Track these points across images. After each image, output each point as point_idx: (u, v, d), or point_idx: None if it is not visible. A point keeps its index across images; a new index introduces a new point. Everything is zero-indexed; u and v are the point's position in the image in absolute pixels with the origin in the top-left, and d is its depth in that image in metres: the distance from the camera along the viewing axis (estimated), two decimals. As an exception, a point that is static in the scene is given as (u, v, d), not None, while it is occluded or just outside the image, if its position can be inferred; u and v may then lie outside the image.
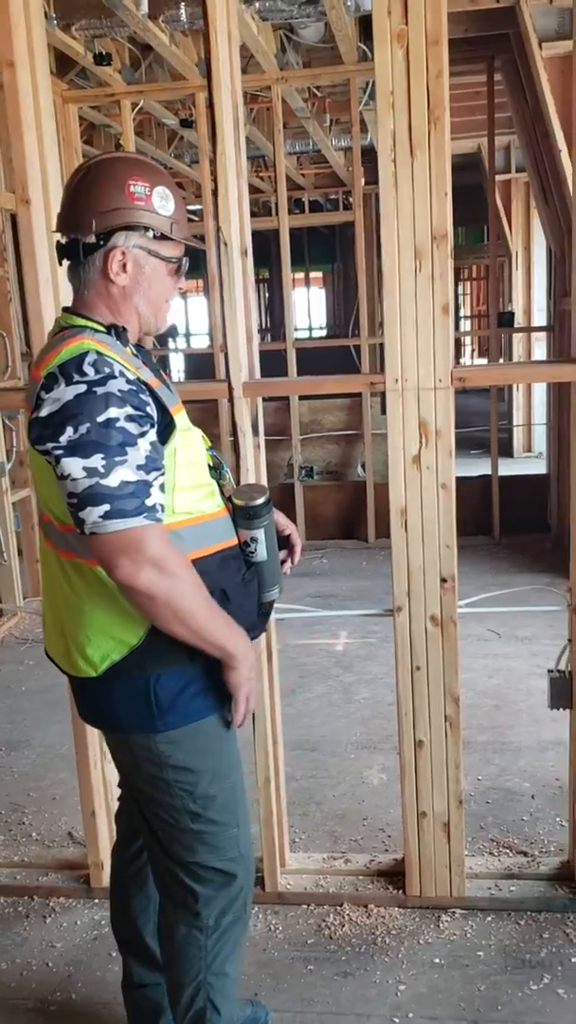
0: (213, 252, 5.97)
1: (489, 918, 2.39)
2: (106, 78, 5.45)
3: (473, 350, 17.07)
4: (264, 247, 12.68)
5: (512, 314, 8.00)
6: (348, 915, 2.43)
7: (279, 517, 1.82)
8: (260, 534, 1.68)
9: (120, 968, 1.96)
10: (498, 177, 6.93)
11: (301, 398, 6.43)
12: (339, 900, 2.47)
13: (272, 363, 4.98)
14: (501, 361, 9.08)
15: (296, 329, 7.35)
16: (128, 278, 1.61)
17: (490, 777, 3.14)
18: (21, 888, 2.62)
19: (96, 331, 1.58)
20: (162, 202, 1.61)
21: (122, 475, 1.44)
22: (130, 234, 1.59)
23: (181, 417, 1.63)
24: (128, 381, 1.49)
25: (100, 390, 1.46)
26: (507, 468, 6.82)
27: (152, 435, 1.51)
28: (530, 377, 6.40)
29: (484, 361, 13.84)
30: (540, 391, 8.55)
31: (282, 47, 5.57)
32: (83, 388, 1.45)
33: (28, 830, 2.97)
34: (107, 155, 1.67)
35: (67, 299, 2.41)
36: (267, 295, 15.93)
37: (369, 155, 7.17)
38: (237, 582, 1.65)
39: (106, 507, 1.43)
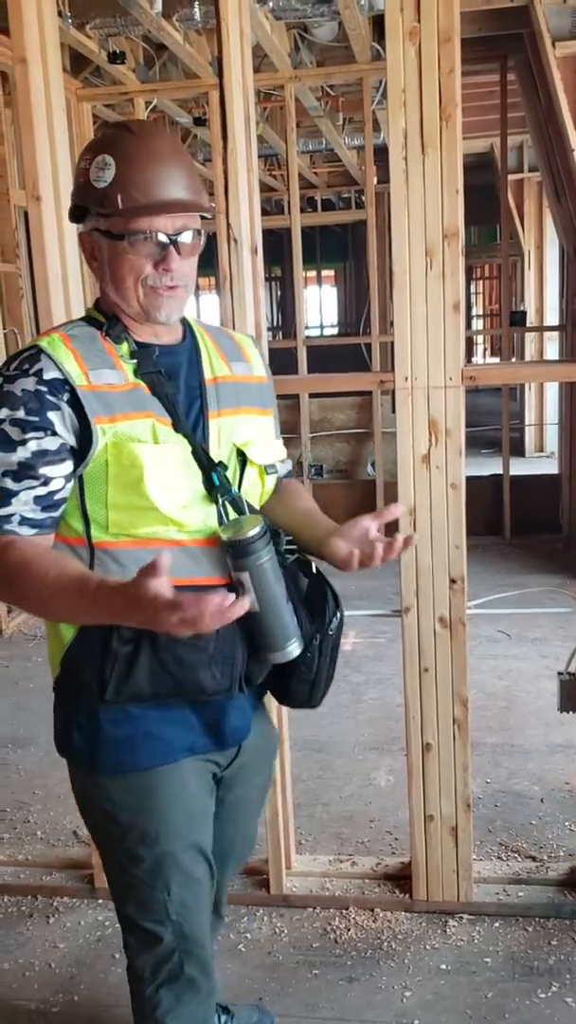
0: (224, 249, 5.96)
1: (497, 924, 2.37)
2: (120, 76, 5.45)
3: (485, 349, 17.03)
4: (277, 245, 12.68)
5: (524, 313, 7.98)
6: (354, 919, 2.41)
7: (364, 521, 1.49)
8: (246, 577, 1.39)
9: (123, 970, 1.94)
10: (511, 176, 6.90)
11: (311, 396, 6.41)
12: (345, 903, 2.45)
13: (283, 361, 4.97)
14: (513, 360, 9.04)
15: (307, 327, 7.34)
16: (98, 265, 1.48)
17: (499, 780, 3.12)
18: (25, 887, 2.61)
19: (90, 322, 1.50)
20: (99, 172, 1.41)
21: None
22: (88, 218, 1.47)
23: (127, 426, 1.40)
24: (41, 382, 1.37)
25: (6, 387, 1.39)
26: (519, 468, 6.79)
27: (45, 443, 1.37)
28: (541, 376, 6.38)
29: (496, 360, 13.79)
30: (552, 390, 8.51)
31: (295, 46, 5.55)
32: (1, 383, 1.41)
33: (33, 828, 2.97)
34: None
35: (77, 296, 2.42)
36: (279, 293, 15.92)
37: (382, 154, 7.15)
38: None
39: None
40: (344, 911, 2.43)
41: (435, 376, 2.16)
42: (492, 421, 8.44)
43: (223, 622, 1.18)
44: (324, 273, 16.33)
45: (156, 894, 1.53)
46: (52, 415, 1.38)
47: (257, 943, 2.33)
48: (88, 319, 1.52)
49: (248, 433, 1.54)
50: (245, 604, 1.22)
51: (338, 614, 1.55)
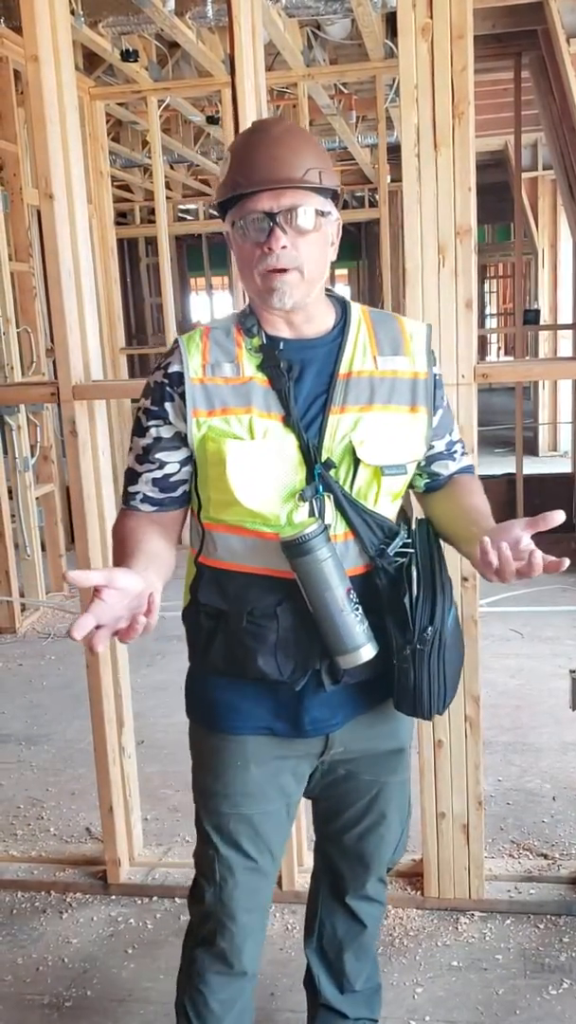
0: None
1: (508, 921, 2.36)
2: (133, 75, 5.47)
3: (499, 348, 16.97)
4: (289, 245, 12.65)
5: (538, 311, 7.95)
6: (365, 915, 2.41)
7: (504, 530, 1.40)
8: (297, 576, 1.43)
9: (136, 965, 1.96)
10: (525, 175, 6.88)
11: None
12: (356, 900, 2.45)
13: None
14: (527, 358, 9.02)
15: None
16: (236, 261, 1.51)
17: (511, 778, 3.12)
18: (38, 883, 2.63)
19: (239, 315, 1.55)
20: (222, 169, 1.48)
21: (128, 460, 1.57)
22: (228, 215, 1.49)
23: (222, 420, 1.46)
24: (166, 375, 1.50)
25: (149, 379, 1.54)
26: (532, 467, 6.77)
27: (161, 431, 1.51)
28: (554, 374, 6.34)
29: (510, 359, 13.75)
30: (566, 389, 8.49)
31: (308, 44, 5.55)
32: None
33: (46, 825, 2.98)
34: None
35: (89, 293, 2.43)
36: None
37: (395, 152, 7.14)
38: (258, 614, 1.49)
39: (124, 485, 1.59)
40: (356, 908, 2.43)
41: (447, 373, 2.16)
42: (505, 420, 8.43)
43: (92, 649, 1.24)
44: (337, 272, 16.32)
45: (207, 848, 1.63)
46: (168, 405, 1.50)
47: (270, 939, 2.33)
48: (241, 312, 1.56)
49: (370, 431, 1.48)
50: (152, 621, 1.26)
51: (429, 629, 1.48)
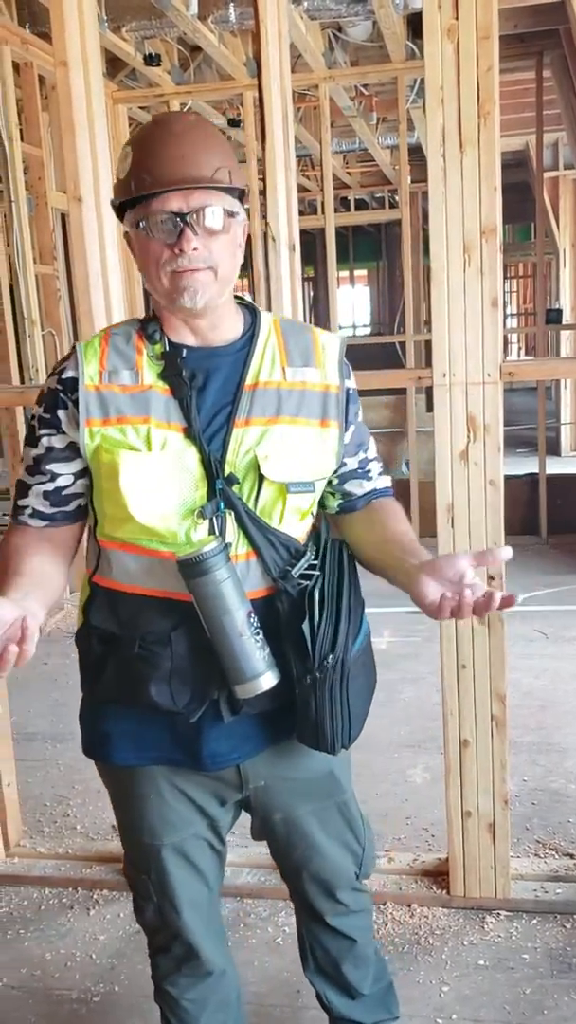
0: (260, 250, 5.99)
1: (535, 921, 2.36)
2: (155, 79, 5.50)
3: (520, 348, 16.91)
4: (309, 246, 12.69)
5: (560, 311, 7.93)
6: (391, 914, 2.42)
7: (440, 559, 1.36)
8: (194, 599, 1.34)
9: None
10: (546, 174, 6.85)
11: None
12: (382, 899, 2.46)
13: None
14: (551, 357, 8.98)
15: (340, 327, 7.34)
16: (137, 262, 1.43)
17: (536, 778, 3.11)
18: (66, 879, 2.65)
19: (140, 320, 1.48)
20: (122, 165, 1.39)
21: (20, 472, 1.48)
22: (127, 213, 1.42)
23: (117, 431, 1.38)
24: (60, 380, 1.42)
25: (44, 385, 1.46)
26: (555, 467, 6.74)
27: (53, 440, 1.43)
28: (578, 376, 6.32)
29: (531, 358, 13.70)
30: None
31: (330, 46, 5.57)
32: None
33: (72, 822, 3.01)
34: None
35: (117, 296, 2.45)
36: (311, 293, 15.93)
37: (416, 153, 7.15)
38: (151, 640, 1.40)
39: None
40: (381, 906, 2.44)
41: (473, 372, 2.16)
42: (526, 420, 8.39)
43: None
44: (357, 273, 16.33)
45: (139, 873, 1.59)
46: (61, 413, 1.42)
47: (294, 937, 2.33)
48: (144, 317, 1.50)
49: (276, 445, 1.41)
50: (26, 649, 1.19)
51: (330, 657, 1.39)
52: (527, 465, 6.58)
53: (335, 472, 1.53)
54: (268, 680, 1.37)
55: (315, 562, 1.45)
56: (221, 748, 1.47)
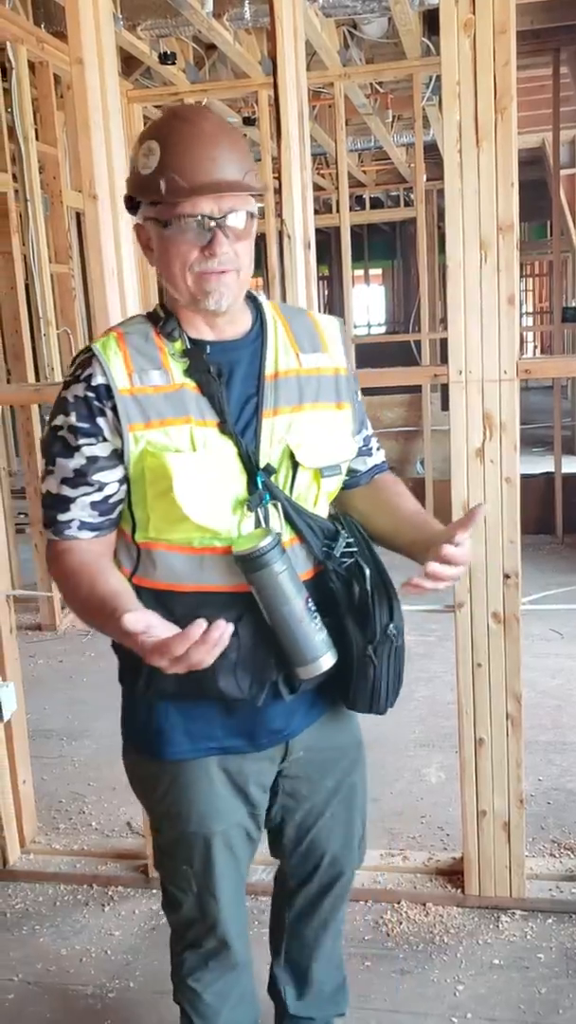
0: (274, 249, 5.99)
1: (550, 920, 2.35)
2: (170, 77, 5.50)
3: (535, 347, 16.84)
4: (324, 245, 12.68)
5: (576, 309, 7.87)
6: (406, 912, 2.41)
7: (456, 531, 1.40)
8: (254, 591, 1.39)
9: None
10: (562, 172, 6.82)
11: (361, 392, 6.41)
12: (397, 897, 2.45)
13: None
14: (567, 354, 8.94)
15: (355, 326, 7.34)
16: (152, 255, 1.43)
17: (551, 778, 3.10)
18: (81, 876, 2.66)
19: (149, 318, 1.48)
20: (145, 160, 1.37)
21: (48, 485, 1.45)
22: (140, 207, 1.42)
23: (161, 433, 1.38)
24: (89, 387, 1.39)
25: (63, 394, 1.42)
26: (570, 466, 6.71)
27: (96, 449, 1.40)
28: (594, 374, 6.29)
29: (546, 356, 13.63)
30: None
31: (345, 43, 5.55)
32: (61, 389, 1.43)
33: (88, 819, 3.01)
34: None
35: (132, 294, 2.45)
36: (326, 292, 15.93)
37: (432, 150, 7.13)
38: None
39: (43, 512, 1.47)
40: (396, 905, 2.44)
41: (489, 369, 2.15)
42: (541, 419, 8.36)
43: (212, 655, 1.19)
44: (372, 272, 16.30)
45: (180, 865, 1.60)
46: (101, 421, 1.39)
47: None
48: (150, 315, 1.49)
49: (305, 433, 1.45)
50: (227, 633, 1.19)
51: (391, 626, 1.49)
52: (543, 464, 6.55)
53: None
54: (328, 660, 1.44)
55: (350, 539, 1.51)
56: (277, 725, 1.53)
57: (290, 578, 1.38)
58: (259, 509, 1.41)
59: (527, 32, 5.00)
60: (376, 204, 11.24)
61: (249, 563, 1.35)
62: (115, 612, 1.30)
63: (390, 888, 2.48)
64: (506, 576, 2.24)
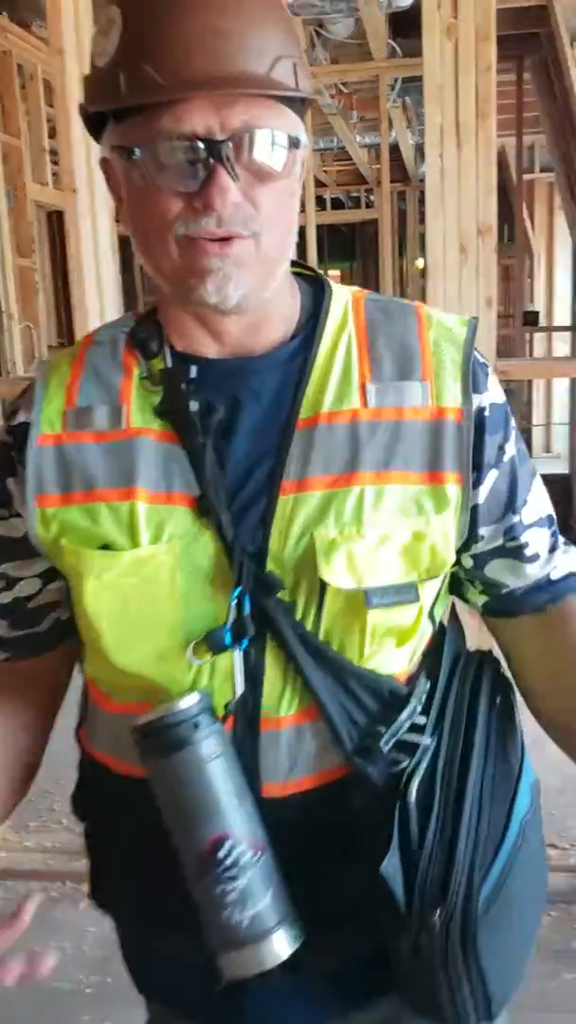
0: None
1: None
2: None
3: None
4: (285, 244, 12.67)
5: (537, 313, 8.02)
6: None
7: None
8: (153, 789, 0.81)
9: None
10: (524, 176, 6.93)
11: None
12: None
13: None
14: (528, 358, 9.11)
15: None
16: (124, 211, 0.84)
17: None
18: (53, 873, 2.64)
19: (128, 323, 0.92)
20: (102, 41, 0.78)
21: None
22: (109, 126, 0.82)
23: (82, 514, 0.84)
24: (9, 429, 0.90)
25: None
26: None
27: (6, 525, 0.91)
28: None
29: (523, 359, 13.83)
30: (560, 390, 8.55)
31: (311, 43, 5.57)
32: None
33: (58, 816, 2.99)
34: None
35: (110, 289, 2.44)
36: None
37: (396, 152, 7.18)
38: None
39: None
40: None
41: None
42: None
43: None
44: (330, 273, 16.36)
45: None
46: (11, 483, 0.88)
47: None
48: (146, 312, 0.93)
49: (352, 524, 0.82)
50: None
51: (438, 913, 0.78)
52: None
53: (466, 551, 0.91)
54: (280, 945, 0.78)
55: (423, 718, 0.85)
56: (272, 1014, 0.90)
57: (223, 774, 0.78)
58: (236, 651, 0.81)
59: (492, 38, 5.07)
60: (337, 205, 11.29)
61: (139, 738, 0.80)
62: None
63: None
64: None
